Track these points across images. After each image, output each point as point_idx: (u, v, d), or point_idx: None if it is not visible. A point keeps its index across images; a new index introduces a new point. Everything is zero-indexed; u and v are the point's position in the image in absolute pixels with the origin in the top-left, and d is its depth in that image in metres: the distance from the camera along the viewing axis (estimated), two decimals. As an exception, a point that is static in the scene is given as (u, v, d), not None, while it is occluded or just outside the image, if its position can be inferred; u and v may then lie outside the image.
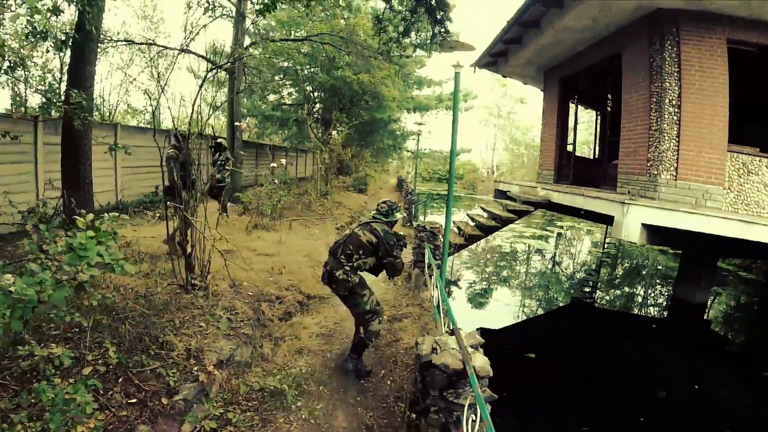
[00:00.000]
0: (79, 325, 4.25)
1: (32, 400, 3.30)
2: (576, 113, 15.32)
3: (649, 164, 9.57)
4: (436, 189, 52.37)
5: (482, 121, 63.77)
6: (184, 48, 7.30)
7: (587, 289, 15.21)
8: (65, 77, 8.88)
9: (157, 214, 10.65)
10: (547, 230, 26.90)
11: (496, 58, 14.81)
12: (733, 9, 8.77)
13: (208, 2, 8.76)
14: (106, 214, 3.58)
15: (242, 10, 14.75)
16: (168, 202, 6.26)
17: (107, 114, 18.49)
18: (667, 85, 9.22)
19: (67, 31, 7.29)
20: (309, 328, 6.56)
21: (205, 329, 5.10)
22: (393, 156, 39.71)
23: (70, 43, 6.93)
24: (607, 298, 14.69)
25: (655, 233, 8.08)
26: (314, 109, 23.78)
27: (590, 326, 11.53)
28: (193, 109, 5.93)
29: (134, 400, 3.86)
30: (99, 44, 13.89)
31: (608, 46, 11.15)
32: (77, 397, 3.22)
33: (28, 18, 5.36)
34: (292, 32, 18.52)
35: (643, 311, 13.70)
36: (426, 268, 8.79)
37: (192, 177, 8.35)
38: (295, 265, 8.51)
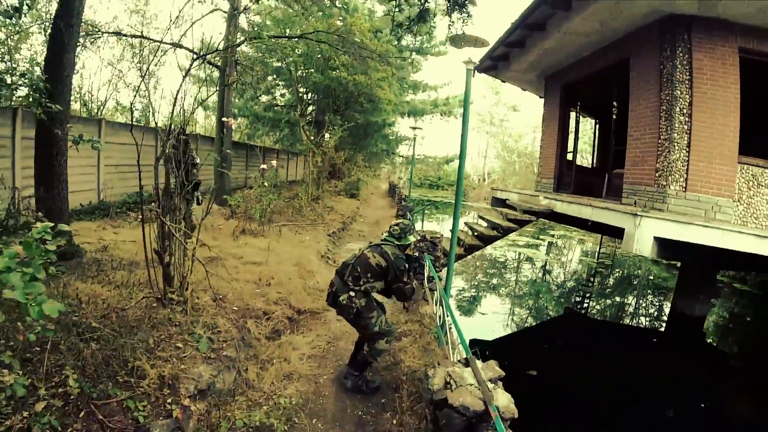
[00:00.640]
0: (42, 344, 3.69)
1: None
2: (578, 121, 14.95)
3: (657, 175, 9.21)
4: (428, 195, 52.10)
5: (474, 128, 63.76)
6: (175, 42, 6.77)
7: (582, 300, 14.87)
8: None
9: (143, 216, 10.11)
10: (540, 239, 26.52)
11: (497, 62, 14.42)
12: (748, 17, 8.53)
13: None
14: (37, 224, 3.00)
15: (236, 5, 14.22)
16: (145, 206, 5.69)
17: (95, 110, 17.92)
18: (678, 93, 8.89)
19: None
20: (300, 348, 5.92)
21: (182, 351, 4.50)
22: (386, 161, 39.27)
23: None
24: (603, 309, 14.35)
25: (666, 247, 7.71)
26: (307, 111, 23.30)
27: (589, 339, 11.16)
28: (174, 103, 5.37)
29: (96, 441, 3.29)
30: (88, 36, 13.48)
31: (615, 51, 10.79)
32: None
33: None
34: (287, 31, 18.04)
35: (640, 323, 13.38)
36: (426, 281, 8.24)
37: (194, 179, 7.94)
38: (285, 276, 7.90)
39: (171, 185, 5.50)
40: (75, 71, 15.61)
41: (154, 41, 11.08)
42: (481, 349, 4.28)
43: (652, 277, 19.09)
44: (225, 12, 14.63)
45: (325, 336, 6.61)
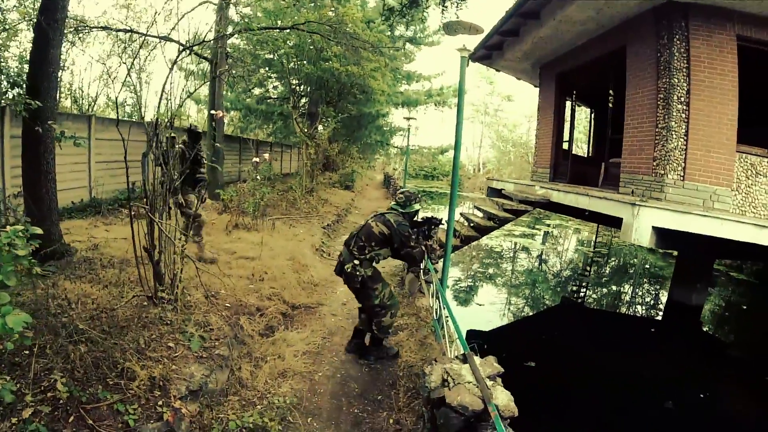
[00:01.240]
0: (31, 347, 3.59)
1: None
2: (573, 110, 14.84)
3: (655, 163, 9.15)
4: (422, 186, 51.99)
5: (469, 118, 63.58)
6: (162, 35, 6.63)
7: (578, 289, 14.82)
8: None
9: (132, 213, 9.97)
10: (535, 228, 26.47)
11: (491, 51, 14.29)
12: (745, 5, 8.41)
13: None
14: (8, 227, 2.86)
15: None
16: (132, 203, 5.55)
17: (86, 106, 17.71)
18: (676, 81, 8.80)
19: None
20: (294, 345, 5.77)
21: (174, 350, 4.37)
22: (380, 152, 39.09)
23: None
24: (600, 298, 14.33)
25: (664, 236, 7.61)
26: (300, 103, 23.12)
27: (586, 329, 11.11)
28: (161, 96, 5.22)
29: (86, 446, 3.17)
30: (76, 32, 13.28)
31: (611, 39, 10.69)
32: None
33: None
34: (279, 22, 17.83)
35: (638, 312, 13.35)
36: (422, 273, 8.12)
37: (201, 176, 7.83)
38: (278, 270, 7.77)
39: (159, 181, 5.37)
40: (65, 67, 15.51)
41: (142, 35, 10.91)
42: (478, 341, 4.20)
43: (648, 266, 19.05)
44: (215, 3, 14.42)
45: (320, 332, 6.49)
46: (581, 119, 30.04)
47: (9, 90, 5.84)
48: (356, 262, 5.20)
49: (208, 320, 5.19)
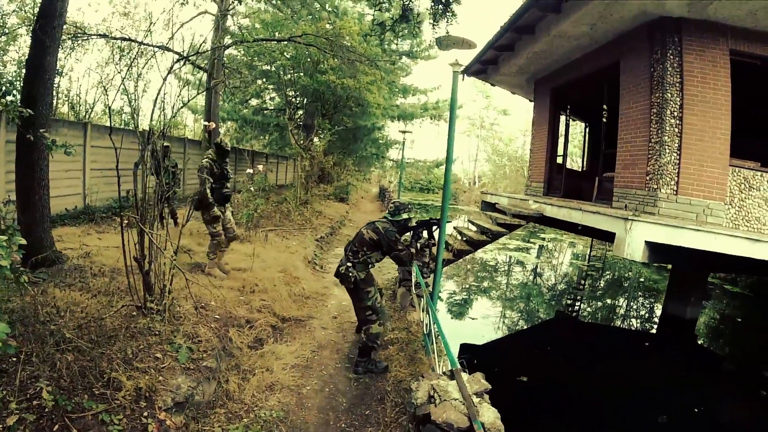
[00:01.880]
0: (18, 354, 3.58)
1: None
2: (567, 124, 14.88)
3: (648, 178, 9.15)
4: (418, 199, 52.01)
5: (465, 131, 64.03)
6: (160, 45, 6.61)
7: (573, 303, 14.76)
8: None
9: (125, 222, 9.93)
10: (530, 242, 26.46)
11: (486, 66, 14.32)
12: (738, 20, 8.51)
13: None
14: None
15: (224, 8, 14.04)
16: (123, 213, 5.51)
17: (83, 113, 17.65)
18: (669, 95, 8.82)
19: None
20: (283, 358, 5.73)
21: (161, 361, 4.33)
22: (375, 165, 39.11)
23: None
24: (594, 312, 14.23)
25: (657, 251, 7.60)
26: (296, 115, 23.15)
27: (580, 343, 11.02)
28: (155, 105, 5.21)
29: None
30: (74, 39, 13.28)
31: (605, 54, 10.74)
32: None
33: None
34: (276, 34, 17.89)
35: (632, 326, 13.29)
36: (413, 287, 8.09)
37: (228, 192, 7.89)
38: (269, 282, 7.73)
39: (150, 190, 5.34)
40: (63, 74, 15.48)
41: (140, 43, 10.89)
42: (471, 354, 4.18)
43: (642, 280, 19.02)
44: (213, 15, 14.46)
45: (310, 345, 6.45)
46: (576, 133, 30.15)
47: (1, 96, 5.79)
48: (349, 264, 5.76)
49: (197, 332, 5.15)
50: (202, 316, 5.63)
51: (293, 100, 22.86)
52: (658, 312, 13.98)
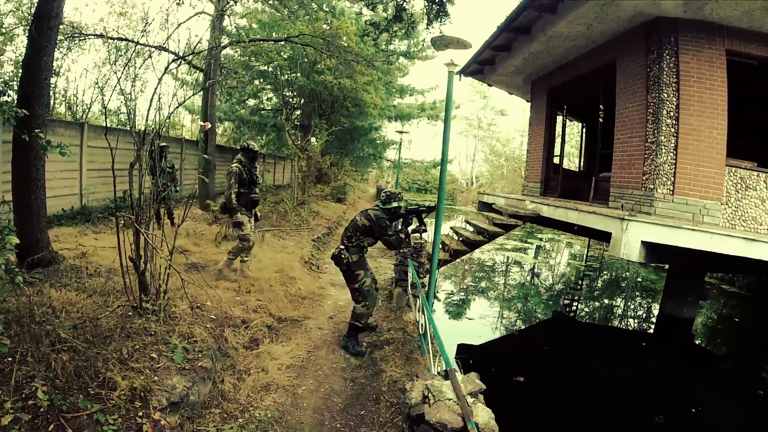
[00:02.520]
0: (13, 354, 3.59)
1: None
2: (564, 125, 14.89)
3: (644, 178, 9.19)
4: (415, 199, 51.96)
5: (462, 132, 64.09)
6: (156, 45, 6.59)
7: (570, 303, 14.75)
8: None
9: (121, 222, 9.91)
10: (527, 242, 26.44)
11: (482, 66, 14.35)
12: (734, 20, 8.56)
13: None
14: None
15: (221, 8, 14.00)
16: (118, 213, 5.48)
17: (80, 113, 17.62)
18: (665, 96, 8.86)
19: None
20: (278, 358, 5.70)
21: (156, 362, 4.31)
22: (373, 165, 39.12)
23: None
24: (591, 312, 14.24)
25: (653, 251, 7.64)
26: (293, 115, 23.11)
27: (576, 342, 10.99)
28: (150, 105, 5.20)
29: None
30: (71, 38, 13.26)
31: (602, 54, 10.77)
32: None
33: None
34: (274, 34, 17.87)
35: (628, 326, 13.29)
36: (409, 288, 8.09)
37: (256, 197, 7.97)
38: (266, 283, 7.72)
39: (146, 190, 5.33)
40: (60, 74, 15.46)
41: (136, 43, 10.86)
42: (467, 354, 4.18)
43: (639, 280, 19.03)
44: (210, 15, 14.42)
45: (305, 345, 6.41)
46: (573, 134, 30.15)
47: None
48: (342, 247, 6.36)
49: (193, 332, 5.12)
50: (197, 317, 5.60)
51: (290, 100, 22.81)
52: (656, 312, 13.97)
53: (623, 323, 13.51)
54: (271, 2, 18.22)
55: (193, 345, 4.92)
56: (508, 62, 13.31)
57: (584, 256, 23.86)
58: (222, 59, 16.38)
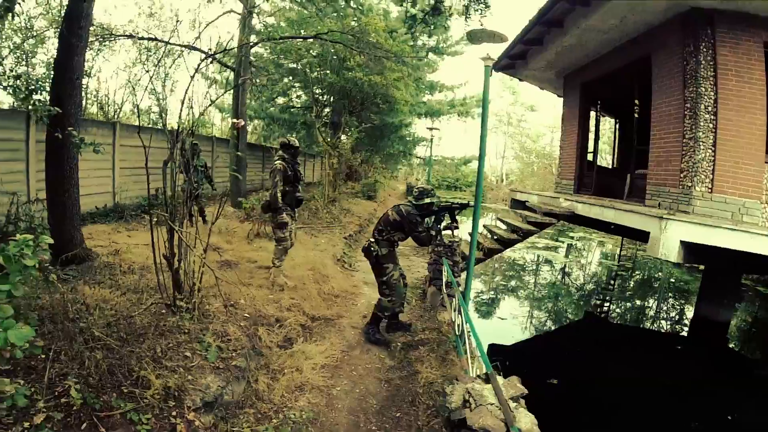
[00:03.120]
0: (47, 351, 3.58)
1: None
2: (598, 120, 14.64)
3: (682, 175, 8.93)
4: (445, 196, 51.67)
5: (492, 128, 63.36)
6: (186, 44, 6.62)
7: (602, 304, 14.54)
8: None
9: (155, 219, 10.00)
10: (559, 241, 26.13)
11: (514, 61, 14.16)
12: (771, 10, 8.23)
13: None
14: (18, 236, 2.80)
15: (249, 6, 14.05)
16: (152, 211, 5.50)
17: (112, 113, 17.90)
18: (703, 90, 8.59)
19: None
20: (313, 358, 5.65)
21: (190, 360, 4.31)
22: (403, 162, 39.01)
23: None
24: (623, 313, 14.00)
25: (692, 251, 7.40)
26: (323, 113, 23.13)
27: (609, 344, 10.78)
28: (183, 104, 5.21)
29: (97, 456, 3.13)
30: (102, 39, 13.46)
31: (636, 48, 10.53)
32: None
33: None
34: (302, 32, 17.90)
35: (661, 328, 13.01)
36: (444, 287, 8.01)
37: (301, 196, 7.80)
38: (299, 281, 7.70)
39: (180, 188, 5.35)
40: (91, 75, 15.70)
41: (166, 43, 10.96)
42: (500, 357, 4.09)
43: (673, 281, 18.64)
44: (239, 14, 14.49)
45: (339, 345, 6.36)
46: (605, 130, 29.69)
47: (29, 95, 5.85)
48: (372, 240, 6.51)
49: (226, 330, 5.12)
50: (231, 315, 5.60)
51: (320, 98, 22.85)
52: (689, 314, 13.70)
53: (656, 325, 13.26)
54: (299, 0, 18.29)
55: (226, 344, 4.92)
56: (540, 56, 13.11)
57: (616, 255, 23.46)
58: (252, 58, 16.46)
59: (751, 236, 7.01)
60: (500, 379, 3.32)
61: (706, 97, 8.56)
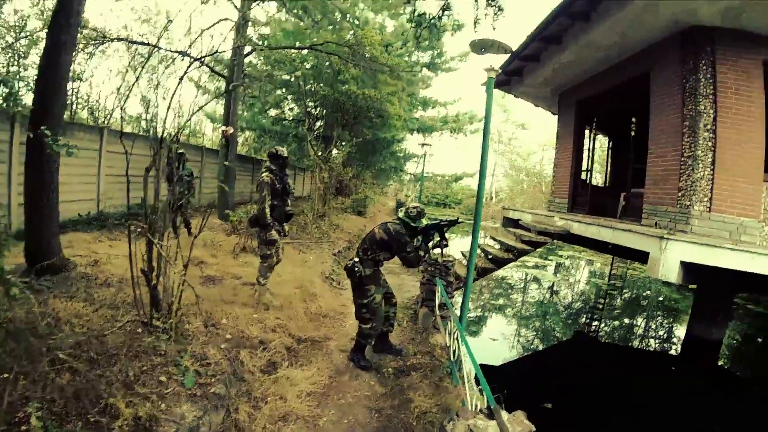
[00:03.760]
0: (9, 371, 3.27)
1: None
2: (594, 138, 14.53)
3: (680, 194, 8.84)
4: (435, 213, 51.73)
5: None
6: (178, 50, 6.35)
7: (592, 323, 14.32)
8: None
9: (137, 229, 9.66)
10: (548, 259, 25.96)
11: (510, 77, 14.06)
12: (769, 30, 8.23)
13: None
14: None
15: (245, 12, 13.82)
16: (131, 221, 5.18)
17: (102, 118, 17.59)
18: (702, 108, 8.55)
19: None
20: (298, 384, 5.22)
21: (165, 386, 3.96)
22: (394, 178, 38.78)
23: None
24: (614, 331, 13.82)
25: (690, 271, 7.22)
26: (315, 126, 22.89)
27: (601, 364, 10.59)
28: (169, 107, 4.92)
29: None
30: (93, 43, 13.20)
31: (635, 65, 10.49)
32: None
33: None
34: (297, 43, 17.71)
35: (653, 347, 12.81)
36: (437, 308, 7.67)
37: (291, 211, 7.42)
38: (285, 299, 7.33)
39: (161, 198, 5.04)
40: (83, 79, 15.44)
41: (155, 47, 10.70)
42: (490, 376, 3.81)
43: (662, 299, 18.62)
44: (234, 21, 14.25)
45: (327, 370, 5.93)
46: (596, 148, 29.66)
47: (10, 95, 5.62)
48: (356, 259, 6.08)
49: (206, 353, 4.75)
50: (212, 335, 5.27)
51: (313, 110, 22.64)
52: (679, 332, 13.69)
53: (647, 344, 13.11)
54: (295, 11, 18.12)
55: (205, 368, 4.55)
56: (536, 73, 13.03)
57: (604, 274, 23.38)
58: (245, 67, 16.24)
59: (751, 256, 6.90)
60: (505, 414, 3.03)
61: (705, 115, 8.51)
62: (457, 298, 9.71)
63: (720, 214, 8.44)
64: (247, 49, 14.87)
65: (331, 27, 19.14)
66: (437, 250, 6.79)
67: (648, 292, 19.98)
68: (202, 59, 5.53)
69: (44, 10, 13.29)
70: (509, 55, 6.16)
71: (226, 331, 5.57)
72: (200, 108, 5.72)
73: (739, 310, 15.82)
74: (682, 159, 8.80)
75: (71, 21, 6.23)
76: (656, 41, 9.59)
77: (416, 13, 9.03)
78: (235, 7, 14.12)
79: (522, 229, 11.71)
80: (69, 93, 16.38)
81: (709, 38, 8.52)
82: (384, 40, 18.34)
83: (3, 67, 11.94)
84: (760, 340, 13.71)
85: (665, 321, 15.53)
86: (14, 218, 8.10)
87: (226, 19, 13.51)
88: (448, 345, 6.20)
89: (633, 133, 12.39)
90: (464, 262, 10.72)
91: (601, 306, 16.78)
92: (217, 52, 5.45)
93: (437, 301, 7.62)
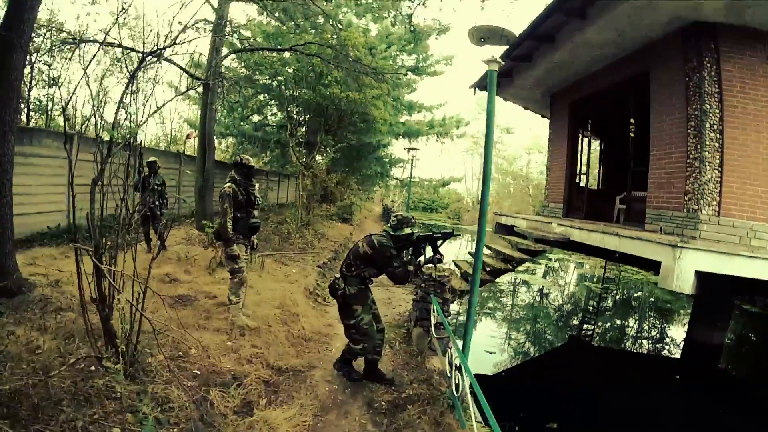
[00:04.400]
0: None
1: None
2: (590, 141, 14.13)
3: (687, 198, 8.41)
4: (422, 218, 51.56)
5: (468, 150, 64.30)
6: (150, 51, 5.71)
7: (587, 327, 14.03)
8: None
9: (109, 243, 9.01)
10: (537, 263, 25.57)
11: (499, 79, 13.48)
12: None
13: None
14: None
15: (222, 14, 13.19)
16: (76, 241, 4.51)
17: (78, 125, 17.01)
18: (707, 107, 8.15)
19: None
20: (278, 428, 4.34)
21: (119, 439, 3.32)
22: (380, 184, 38.29)
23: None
24: (609, 335, 13.56)
25: (704, 281, 6.74)
26: (298, 132, 22.33)
27: (601, 372, 10.22)
28: (119, 106, 4.26)
29: None
30: (63, 44, 12.60)
31: (632, 64, 10.17)
32: None
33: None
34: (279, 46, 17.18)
35: (651, 351, 12.46)
36: (432, 328, 6.95)
37: (256, 223, 6.83)
38: (263, 321, 6.59)
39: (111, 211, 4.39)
40: (59, 84, 14.89)
41: (134, 51, 10.09)
42: (486, 387, 3.23)
43: (653, 300, 18.61)
44: (212, 22, 13.62)
45: (311, 407, 4.97)
46: (586, 150, 29.48)
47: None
48: (338, 276, 5.65)
49: (169, 395, 3.98)
50: (179, 369, 4.55)
51: (295, 116, 22.09)
52: (677, 335, 13.60)
53: (645, 348, 12.79)
54: (276, 15, 17.56)
55: (168, 413, 3.82)
56: (527, 74, 12.64)
57: (596, 277, 23.37)
58: (224, 71, 15.62)
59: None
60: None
61: (711, 115, 8.16)
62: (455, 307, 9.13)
63: (729, 218, 8.05)
64: (225, 50, 14.31)
65: (313, 31, 18.59)
66: (431, 265, 6.08)
67: (639, 293, 20.12)
68: (160, 51, 4.86)
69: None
70: (510, 45, 5.61)
71: (195, 365, 4.83)
72: (157, 110, 5.06)
73: (735, 311, 15.55)
74: (688, 161, 8.40)
75: (25, 17, 5.78)
76: (656, 39, 9.28)
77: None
78: (212, 7, 13.51)
79: (516, 235, 11.29)
80: (46, 99, 15.90)
81: (712, 35, 8.20)
82: (367, 43, 17.82)
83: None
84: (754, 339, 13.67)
85: (658, 323, 15.48)
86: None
87: (204, 20, 12.91)
88: (449, 375, 5.43)
89: (632, 135, 11.91)
90: (458, 272, 10.15)
91: (596, 310, 16.58)
92: (177, 43, 4.78)
93: (433, 321, 6.92)
